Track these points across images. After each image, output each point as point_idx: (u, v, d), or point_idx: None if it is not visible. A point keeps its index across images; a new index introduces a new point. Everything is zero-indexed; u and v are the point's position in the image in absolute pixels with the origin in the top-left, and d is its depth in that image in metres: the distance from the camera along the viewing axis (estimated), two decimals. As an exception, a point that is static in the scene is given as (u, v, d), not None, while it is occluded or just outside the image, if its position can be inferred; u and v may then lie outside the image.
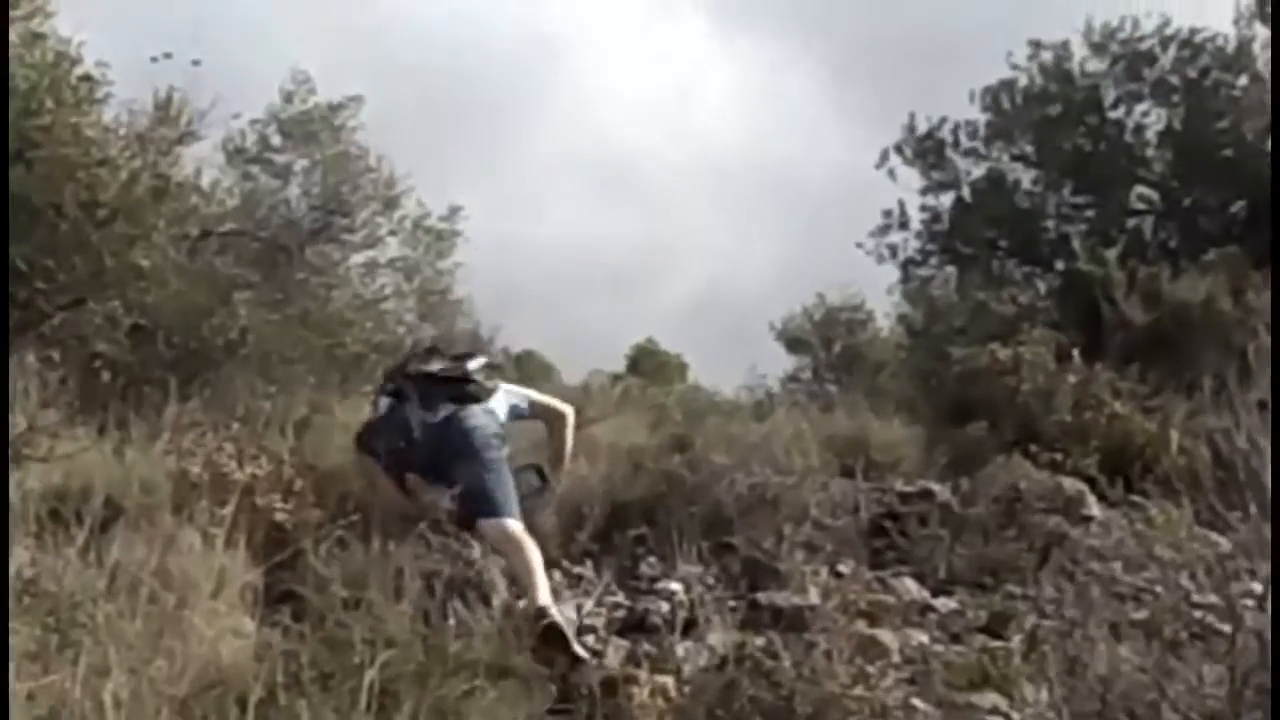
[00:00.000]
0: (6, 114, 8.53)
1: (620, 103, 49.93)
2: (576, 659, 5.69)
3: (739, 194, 43.30)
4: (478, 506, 6.73)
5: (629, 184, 45.89)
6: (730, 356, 22.75)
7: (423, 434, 7.02)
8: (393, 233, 12.58)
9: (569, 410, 7.80)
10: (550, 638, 5.72)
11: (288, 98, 12.28)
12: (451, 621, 5.43)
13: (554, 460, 7.61)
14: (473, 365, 7.38)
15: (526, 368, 16.79)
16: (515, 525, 6.66)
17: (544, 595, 6.13)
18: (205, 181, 11.26)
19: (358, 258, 12.39)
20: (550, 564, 6.85)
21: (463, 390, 7.24)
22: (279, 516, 6.52)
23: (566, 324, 28.64)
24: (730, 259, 41.11)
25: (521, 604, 6.10)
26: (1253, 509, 3.98)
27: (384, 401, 7.37)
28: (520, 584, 6.29)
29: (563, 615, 5.98)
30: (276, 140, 12.20)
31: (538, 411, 7.77)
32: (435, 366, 7.34)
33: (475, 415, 7.17)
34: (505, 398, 7.49)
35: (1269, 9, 18.14)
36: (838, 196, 30.66)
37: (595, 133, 47.83)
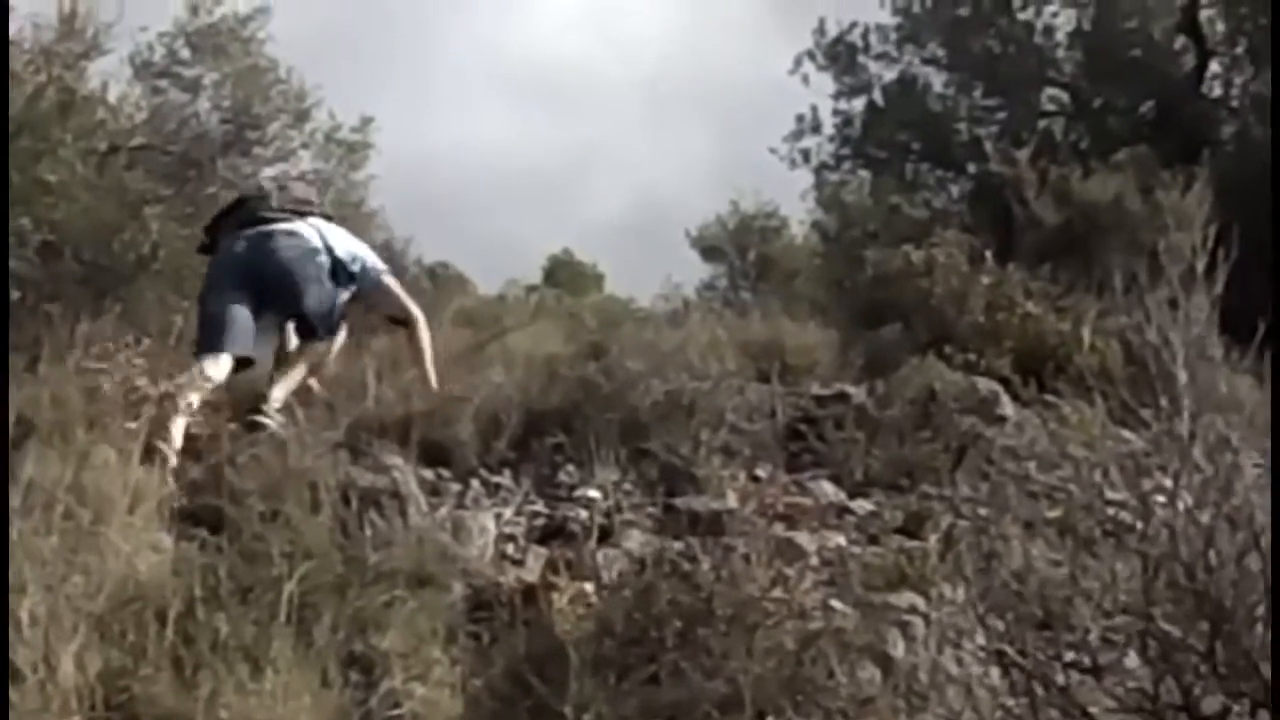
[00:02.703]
0: (6, 113, 8.38)
1: (546, 11, 49.43)
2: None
3: (664, 104, 43.12)
4: (309, 329, 7.60)
5: (552, 95, 45.63)
6: (647, 267, 22.72)
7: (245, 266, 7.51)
8: (304, 145, 12.41)
9: (421, 315, 7.90)
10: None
11: (194, 10, 12.07)
12: (369, 533, 5.40)
13: (420, 374, 7.75)
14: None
15: (440, 279, 16.69)
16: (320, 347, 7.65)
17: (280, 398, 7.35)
18: (113, 96, 11.08)
19: (269, 171, 12.20)
20: (468, 473, 6.87)
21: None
22: (194, 430, 6.47)
23: (484, 236, 28.54)
24: (652, 170, 41.04)
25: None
26: (1163, 403, 4.02)
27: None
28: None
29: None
30: (185, 54, 12.00)
31: (380, 300, 7.89)
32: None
33: (291, 241, 7.59)
34: (339, 240, 7.82)
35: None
36: (760, 104, 30.57)
37: (520, 42, 47.39)
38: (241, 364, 7.25)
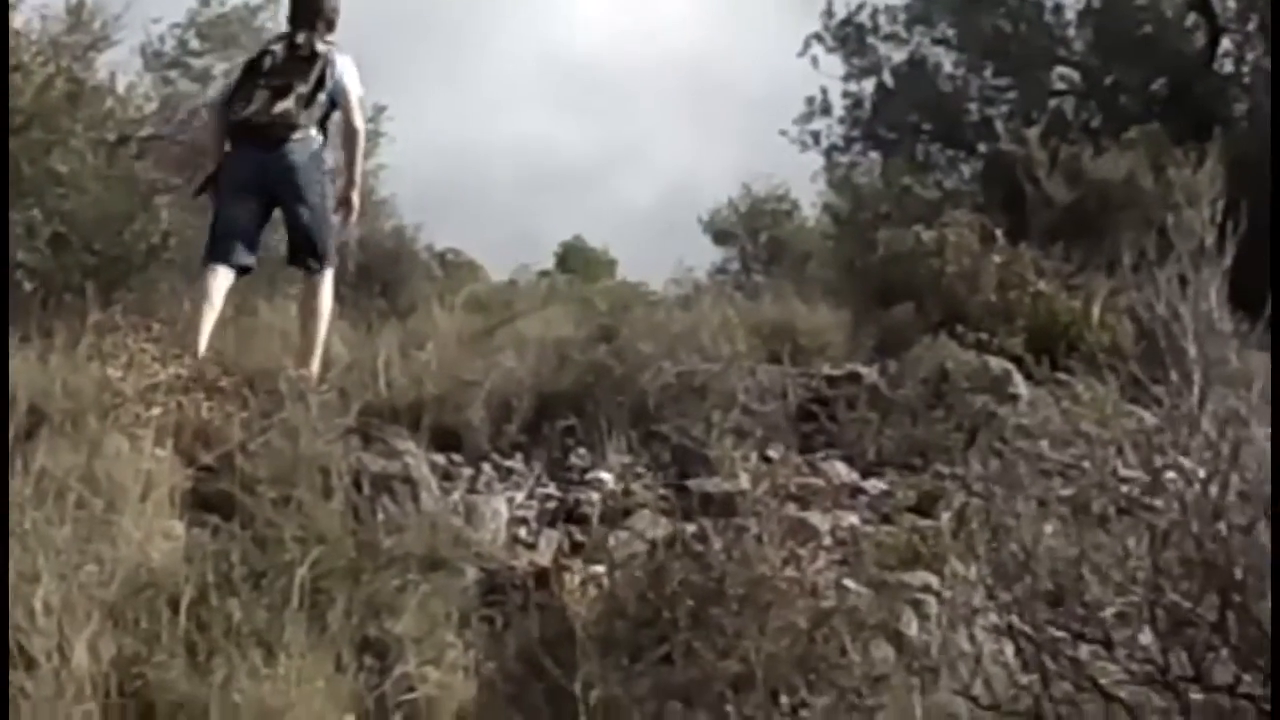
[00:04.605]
0: (7, 113, 8.38)
1: (575, 7, 49.34)
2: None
3: (697, 97, 43.04)
4: (301, 250, 7.65)
5: (587, 91, 45.56)
6: (665, 254, 22.71)
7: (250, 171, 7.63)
8: (314, 134, 12.42)
9: (362, 129, 7.92)
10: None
11: (204, 1, 12.10)
12: (381, 518, 5.42)
13: (345, 184, 7.88)
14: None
15: (451, 265, 16.70)
16: (325, 284, 7.68)
17: (315, 366, 7.43)
18: (121, 86, 11.09)
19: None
20: (480, 457, 6.88)
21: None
22: (205, 416, 6.48)
23: (508, 228, 28.60)
24: (681, 162, 40.99)
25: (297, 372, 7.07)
26: (1174, 378, 4.01)
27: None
28: (300, 351, 7.52)
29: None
30: (195, 44, 12.03)
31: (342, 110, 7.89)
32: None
33: (298, 151, 7.58)
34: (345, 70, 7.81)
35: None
36: (780, 92, 30.49)
37: (553, 37, 47.39)
38: (242, 273, 7.59)
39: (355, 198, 7.81)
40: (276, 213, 7.69)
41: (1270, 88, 15.01)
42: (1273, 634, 3.39)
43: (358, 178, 7.82)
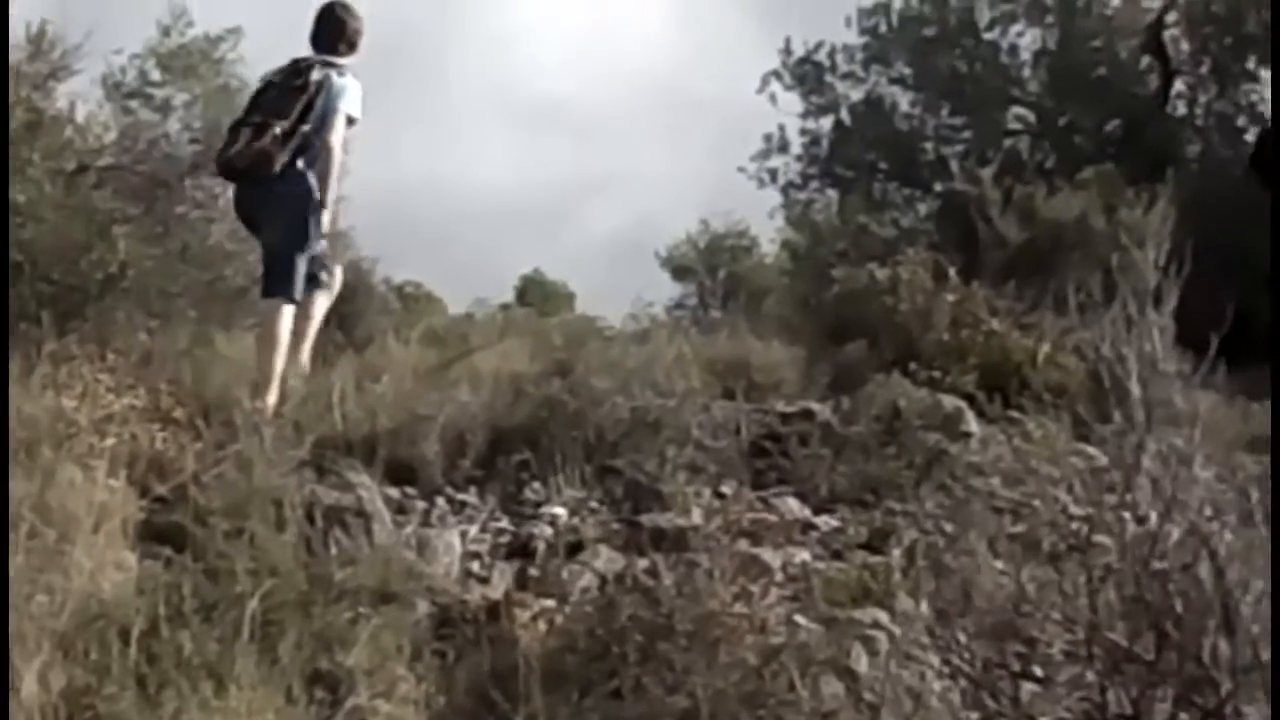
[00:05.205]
0: (7, 114, 8.37)
1: (544, 45, 49.42)
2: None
3: (661, 132, 43.10)
4: (267, 278, 7.82)
5: (550, 125, 45.65)
6: (625, 289, 22.74)
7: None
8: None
9: (336, 148, 7.93)
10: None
11: (165, 32, 12.10)
12: (334, 550, 5.43)
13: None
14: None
15: (410, 298, 16.71)
16: (280, 315, 7.68)
17: (271, 398, 7.40)
18: (81, 116, 11.08)
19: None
20: (434, 491, 6.89)
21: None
22: (159, 447, 6.48)
23: (469, 263, 28.60)
24: (645, 195, 41.10)
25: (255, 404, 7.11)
26: (1117, 418, 4.07)
27: None
28: (255, 382, 7.50)
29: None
30: (156, 75, 12.03)
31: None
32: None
33: (277, 184, 7.74)
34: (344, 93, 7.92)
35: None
36: (743, 128, 30.63)
37: (514, 76, 47.49)
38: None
39: (324, 216, 7.85)
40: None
41: (1270, 89, 15.11)
42: (1273, 635, 3.44)
43: (327, 197, 7.83)
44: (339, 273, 8.26)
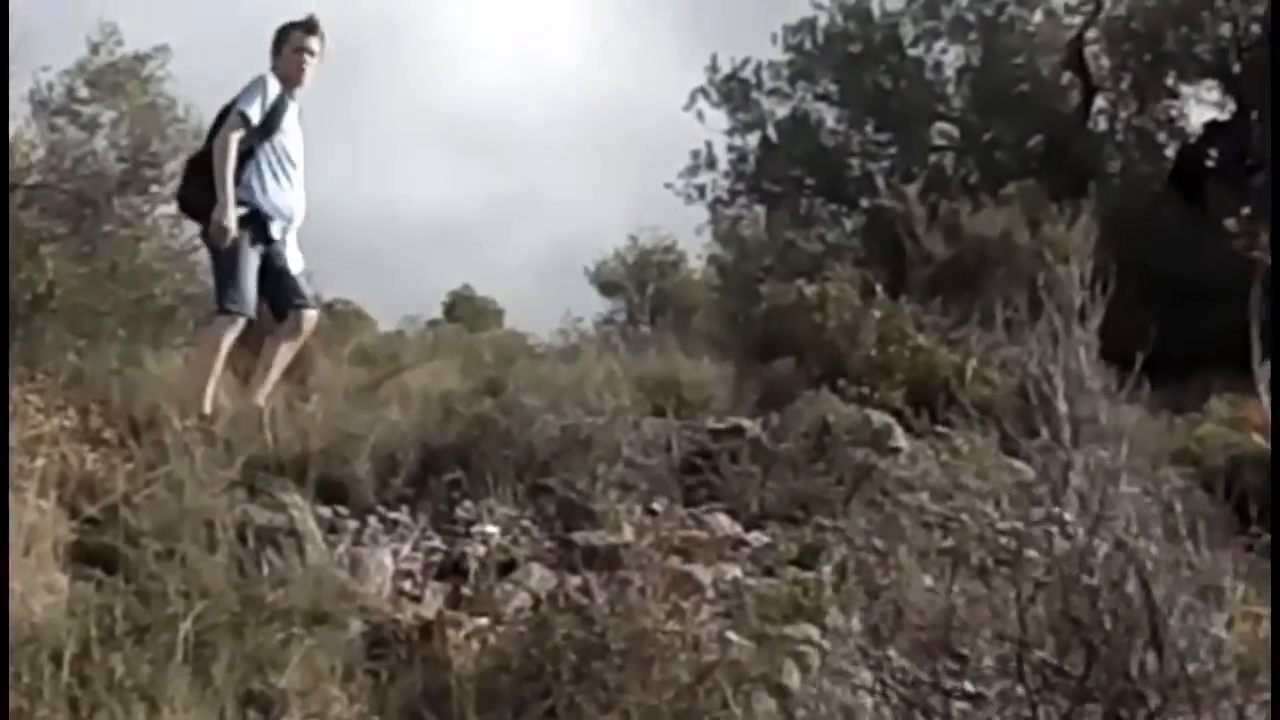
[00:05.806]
0: (7, 116, 8.29)
1: (475, 65, 49.38)
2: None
3: (591, 152, 43.08)
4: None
5: (481, 147, 45.61)
6: (555, 305, 22.76)
7: None
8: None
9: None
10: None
11: (94, 49, 12.01)
12: (266, 571, 5.40)
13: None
14: None
15: (340, 315, 16.64)
16: (209, 328, 7.87)
17: (207, 406, 7.46)
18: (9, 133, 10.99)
19: (166, 209, 12.11)
20: (366, 510, 6.87)
21: None
22: (90, 467, 6.43)
23: (399, 283, 28.56)
24: (574, 214, 41.08)
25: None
26: (1044, 433, 4.12)
27: None
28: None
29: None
30: (84, 92, 11.94)
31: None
32: None
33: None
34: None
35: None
36: (672, 144, 30.74)
37: (446, 96, 47.45)
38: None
39: (215, 214, 7.68)
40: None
41: (1270, 93, 15.24)
42: (1274, 642, 3.49)
43: (218, 192, 7.68)
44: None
